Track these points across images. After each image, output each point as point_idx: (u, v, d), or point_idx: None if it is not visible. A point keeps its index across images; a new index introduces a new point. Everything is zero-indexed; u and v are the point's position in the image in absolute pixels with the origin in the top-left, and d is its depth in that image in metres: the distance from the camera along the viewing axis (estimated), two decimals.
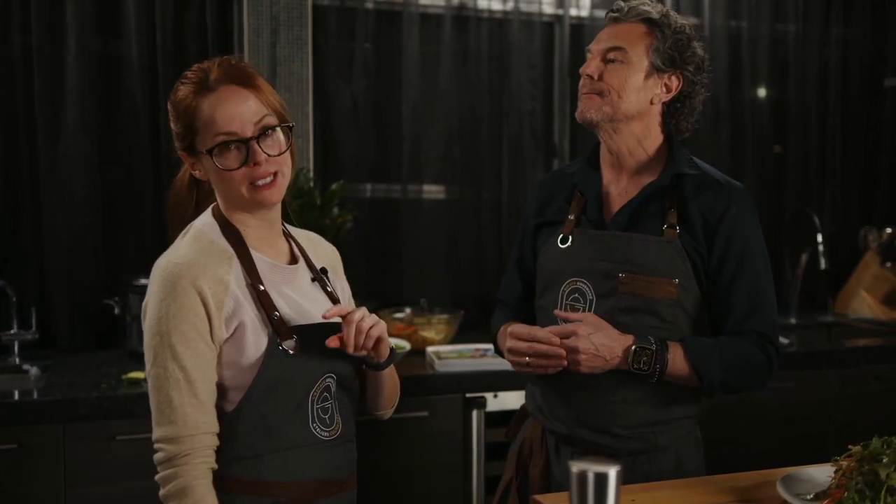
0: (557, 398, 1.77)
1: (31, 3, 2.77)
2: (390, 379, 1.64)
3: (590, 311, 1.73)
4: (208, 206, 1.54)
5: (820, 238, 3.44)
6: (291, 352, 1.43)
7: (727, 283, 1.71)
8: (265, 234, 1.52)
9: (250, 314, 1.42)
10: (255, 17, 3.02)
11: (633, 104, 1.75)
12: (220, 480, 1.41)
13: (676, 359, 1.66)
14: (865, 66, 3.85)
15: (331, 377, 1.51)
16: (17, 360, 2.63)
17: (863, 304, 3.59)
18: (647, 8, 1.77)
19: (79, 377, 2.43)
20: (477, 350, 2.72)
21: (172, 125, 1.49)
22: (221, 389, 1.43)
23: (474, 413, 2.55)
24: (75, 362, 2.64)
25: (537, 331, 1.70)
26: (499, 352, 1.90)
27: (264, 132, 1.44)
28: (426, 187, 3.31)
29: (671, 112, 1.80)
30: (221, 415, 1.43)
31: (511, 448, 1.95)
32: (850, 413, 2.91)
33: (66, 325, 2.81)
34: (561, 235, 1.81)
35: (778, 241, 3.74)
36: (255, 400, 1.42)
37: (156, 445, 1.39)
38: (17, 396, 2.26)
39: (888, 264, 3.61)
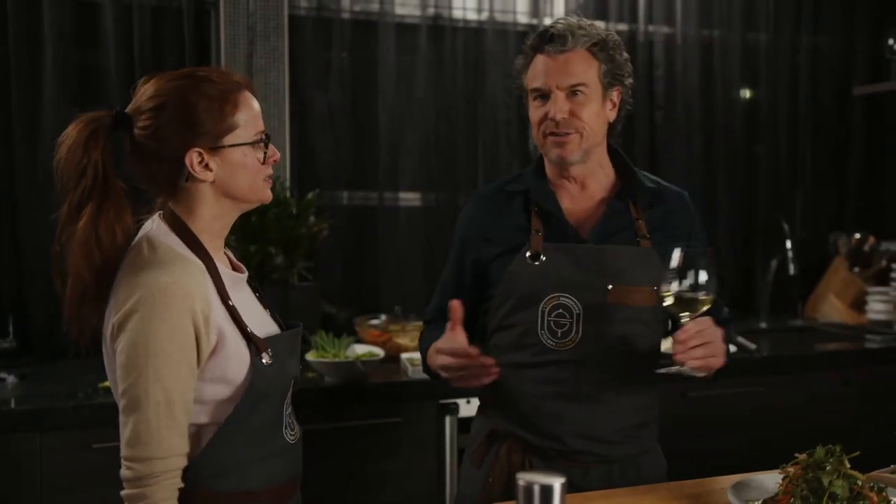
0: (553, 412, 1.76)
1: (7, 13, 2.78)
2: None
3: (577, 324, 1.73)
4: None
5: (789, 244, 3.51)
6: (267, 363, 1.46)
7: None
8: (219, 242, 1.55)
9: (228, 329, 1.44)
10: (231, 28, 3.05)
11: (599, 132, 1.78)
12: (189, 496, 1.41)
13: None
14: (835, 74, 3.92)
15: (292, 382, 1.58)
16: None
17: (832, 308, 3.65)
18: (594, 31, 1.75)
19: (56, 386, 2.45)
20: None
21: (191, 122, 1.44)
22: (206, 405, 1.43)
23: (447, 419, 2.59)
24: (53, 371, 2.65)
25: (459, 345, 1.65)
26: (427, 370, 1.87)
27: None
28: (402, 195, 3.35)
29: (612, 123, 1.82)
30: (203, 431, 1.44)
31: (476, 475, 1.85)
32: (819, 417, 2.95)
33: (43, 333, 2.82)
34: (529, 253, 1.77)
35: (749, 247, 3.81)
36: (244, 414, 1.44)
37: (125, 462, 1.38)
38: None
39: (857, 269, 3.67)
